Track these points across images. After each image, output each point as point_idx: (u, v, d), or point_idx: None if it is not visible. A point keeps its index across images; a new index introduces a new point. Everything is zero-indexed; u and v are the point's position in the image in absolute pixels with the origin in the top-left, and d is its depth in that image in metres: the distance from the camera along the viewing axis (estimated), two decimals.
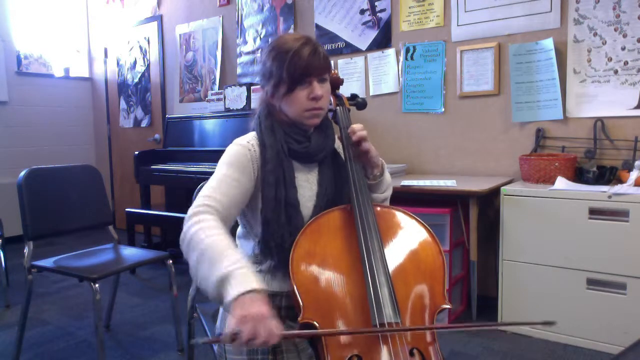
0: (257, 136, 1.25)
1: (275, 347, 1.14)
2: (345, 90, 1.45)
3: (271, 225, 1.18)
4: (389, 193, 1.35)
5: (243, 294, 0.91)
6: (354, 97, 1.47)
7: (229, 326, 0.89)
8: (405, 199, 2.56)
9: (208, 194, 1.13)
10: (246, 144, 1.23)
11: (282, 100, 1.22)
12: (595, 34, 2.52)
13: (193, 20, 4.31)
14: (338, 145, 1.37)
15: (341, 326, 1.07)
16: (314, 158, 1.27)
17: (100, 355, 2.03)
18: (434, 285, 1.15)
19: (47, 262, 2.24)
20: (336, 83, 1.41)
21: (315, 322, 1.06)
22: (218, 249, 1.00)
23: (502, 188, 2.41)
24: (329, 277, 1.12)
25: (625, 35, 2.45)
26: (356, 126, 1.26)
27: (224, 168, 1.19)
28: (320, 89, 1.19)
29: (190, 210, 1.10)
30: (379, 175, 1.29)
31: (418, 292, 1.14)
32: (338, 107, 1.37)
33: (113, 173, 5.19)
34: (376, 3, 3.22)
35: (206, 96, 4.04)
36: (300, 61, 1.16)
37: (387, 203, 1.36)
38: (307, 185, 1.26)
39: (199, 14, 4.26)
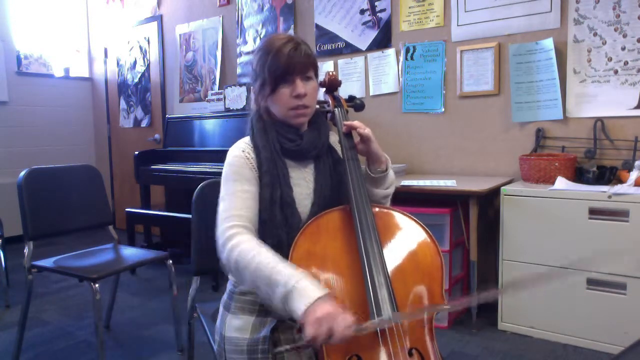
0: (250, 140, 1.26)
1: (275, 347, 1.14)
2: (345, 90, 1.45)
3: (267, 225, 1.18)
4: (391, 190, 1.35)
5: (308, 307, 0.95)
6: (351, 98, 1.47)
7: (306, 333, 0.93)
8: (405, 199, 2.56)
9: (229, 215, 1.15)
10: (241, 153, 1.23)
11: (268, 100, 1.23)
12: (595, 34, 2.52)
13: (193, 20, 4.31)
14: (335, 142, 1.37)
15: None
16: (307, 155, 1.27)
17: (100, 355, 2.04)
18: (432, 285, 1.16)
19: (47, 262, 2.24)
20: (334, 85, 1.41)
21: None
22: (268, 269, 1.03)
23: (502, 188, 2.41)
24: (328, 277, 1.12)
25: (625, 35, 2.45)
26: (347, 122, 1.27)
27: (232, 185, 1.20)
28: (303, 86, 1.19)
29: (221, 238, 1.14)
30: (382, 171, 1.29)
31: (417, 293, 1.14)
32: (336, 109, 1.37)
33: (113, 173, 5.19)
34: (376, 3, 3.22)
35: (206, 96, 4.04)
36: (281, 59, 1.17)
37: (389, 201, 1.35)
38: (303, 183, 1.26)
39: (199, 14, 4.26)
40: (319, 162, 1.29)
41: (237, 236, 1.12)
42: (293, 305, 0.97)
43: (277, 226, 1.18)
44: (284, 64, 1.17)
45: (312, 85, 1.23)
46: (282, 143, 1.24)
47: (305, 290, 0.97)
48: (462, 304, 0.99)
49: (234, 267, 1.10)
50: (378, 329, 1.04)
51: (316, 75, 1.26)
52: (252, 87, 1.29)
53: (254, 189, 1.20)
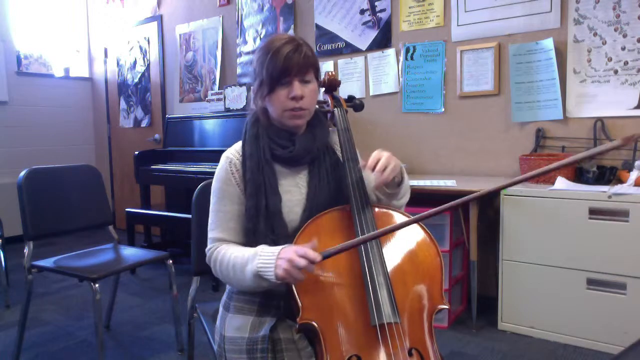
0: (241, 146, 1.26)
1: (275, 347, 1.14)
2: (345, 90, 1.45)
3: (253, 235, 1.19)
4: (405, 199, 1.32)
5: (275, 268, 1.05)
6: (351, 98, 1.47)
7: (280, 279, 1.06)
8: None
9: (211, 237, 1.25)
10: (228, 165, 1.24)
11: (265, 101, 1.21)
12: (595, 34, 2.52)
13: (193, 20, 4.31)
14: (335, 142, 1.35)
15: (340, 327, 1.07)
16: (300, 162, 1.25)
17: (100, 355, 2.04)
18: (432, 286, 1.16)
19: (47, 262, 2.24)
20: (333, 84, 1.41)
21: (314, 323, 1.06)
22: (238, 263, 1.14)
23: None
24: (327, 277, 1.12)
25: (625, 35, 2.45)
26: (382, 162, 1.15)
27: (215, 202, 1.25)
28: (301, 88, 1.17)
29: (207, 254, 1.25)
30: (396, 185, 1.25)
31: (416, 293, 1.14)
32: (335, 109, 1.37)
33: (113, 173, 5.19)
34: (376, 3, 3.22)
35: (206, 96, 4.04)
36: (279, 60, 1.15)
37: (404, 208, 1.33)
38: (295, 190, 1.25)
39: (199, 14, 4.26)
40: (314, 166, 1.27)
41: (215, 252, 1.22)
42: (267, 277, 1.07)
43: (262, 236, 1.18)
44: (281, 64, 1.15)
45: (310, 87, 1.20)
46: (273, 150, 1.23)
47: (265, 259, 1.08)
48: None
49: (221, 277, 1.21)
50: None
51: (317, 77, 1.24)
52: (252, 87, 1.28)
53: (236, 207, 1.23)
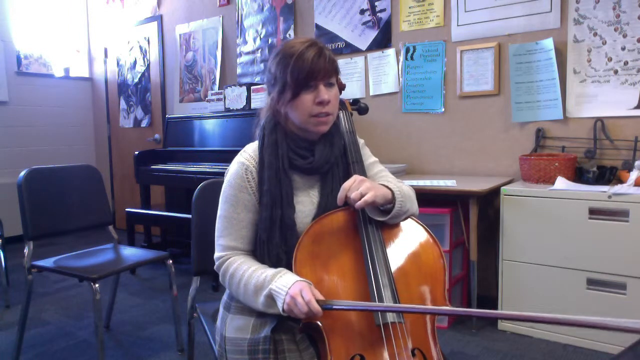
0: (257, 151, 1.23)
1: (276, 347, 1.14)
2: (345, 91, 1.45)
3: (266, 245, 1.18)
4: (396, 221, 1.23)
5: (283, 304, 1.06)
6: (356, 102, 1.47)
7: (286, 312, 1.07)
8: None
9: (225, 244, 1.22)
10: (243, 171, 1.21)
11: (287, 106, 1.18)
12: (595, 34, 2.52)
13: (193, 20, 4.31)
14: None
15: (344, 326, 1.08)
16: (317, 172, 1.24)
17: (100, 355, 2.04)
18: (434, 287, 1.16)
19: (47, 262, 2.24)
20: (338, 88, 1.41)
21: (318, 322, 1.06)
22: (251, 285, 1.14)
23: (502, 188, 2.42)
24: (331, 277, 1.13)
25: (625, 35, 2.45)
26: (354, 194, 1.12)
27: (227, 208, 1.22)
28: (327, 93, 1.16)
29: (216, 262, 1.23)
30: (388, 211, 1.19)
31: (420, 294, 1.15)
32: (341, 112, 1.36)
33: (113, 173, 5.19)
34: (376, 3, 3.22)
35: (206, 96, 4.04)
36: (305, 64, 1.13)
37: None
38: (307, 200, 1.23)
39: (199, 14, 4.26)
40: (327, 175, 1.25)
41: (227, 261, 1.21)
42: (278, 303, 1.08)
43: (275, 246, 1.17)
44: (307, 68, 1.13)
45: (334, 92, 1.19)
46: (292, 159, 1.20)
47: (277, 294, 1.07)
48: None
49: (228, 286, 1.22)
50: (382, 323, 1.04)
51: (337, 81, 1.23)
52: (269, 92, 1.23)
53: (250, 215, 1.21)
